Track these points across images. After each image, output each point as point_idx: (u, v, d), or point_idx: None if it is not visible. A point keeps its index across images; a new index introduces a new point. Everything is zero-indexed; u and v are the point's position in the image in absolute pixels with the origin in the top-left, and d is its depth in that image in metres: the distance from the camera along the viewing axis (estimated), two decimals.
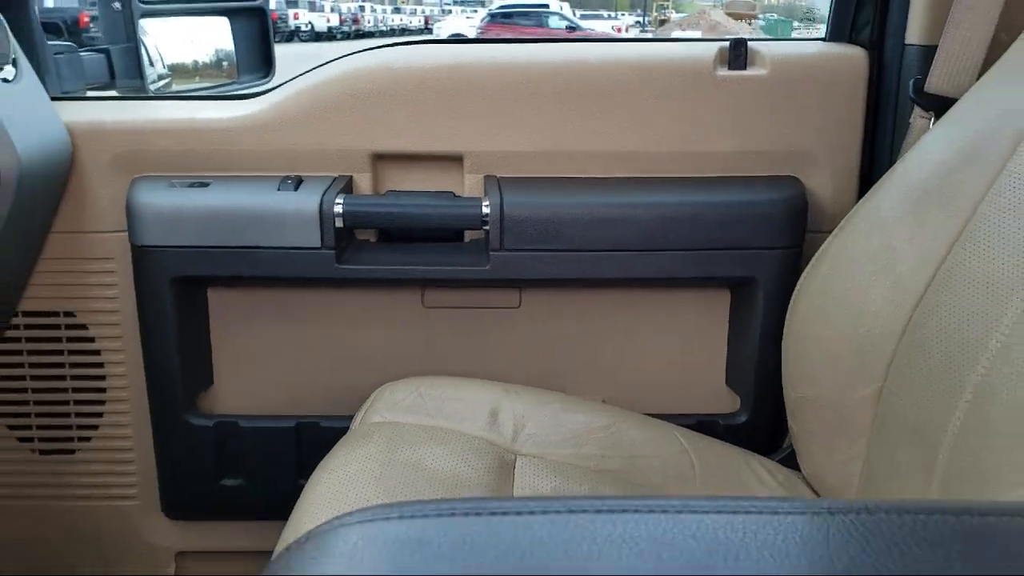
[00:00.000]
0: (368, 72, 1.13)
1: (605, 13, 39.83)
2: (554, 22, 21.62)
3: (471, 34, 21.82)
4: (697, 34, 21.69)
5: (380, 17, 36.66)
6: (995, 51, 0.93)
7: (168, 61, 1.52)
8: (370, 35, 32.29)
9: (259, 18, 1.51)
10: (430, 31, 30.44)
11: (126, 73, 1.33)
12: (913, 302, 0.84)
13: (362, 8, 35.22)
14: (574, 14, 26.90)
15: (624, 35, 21.35)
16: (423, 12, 44.54)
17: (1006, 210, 0.77)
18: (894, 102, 1.08)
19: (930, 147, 0.90)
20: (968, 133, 0.85)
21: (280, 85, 1.17)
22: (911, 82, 1.00)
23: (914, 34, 1.06)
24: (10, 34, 1.02)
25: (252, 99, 1.15)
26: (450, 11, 46.81)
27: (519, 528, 0.34)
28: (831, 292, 0.94)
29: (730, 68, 1.11)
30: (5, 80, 0.99)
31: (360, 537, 0.33)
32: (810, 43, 1.17)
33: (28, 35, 1.13)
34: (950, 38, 0.96)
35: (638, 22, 38.63)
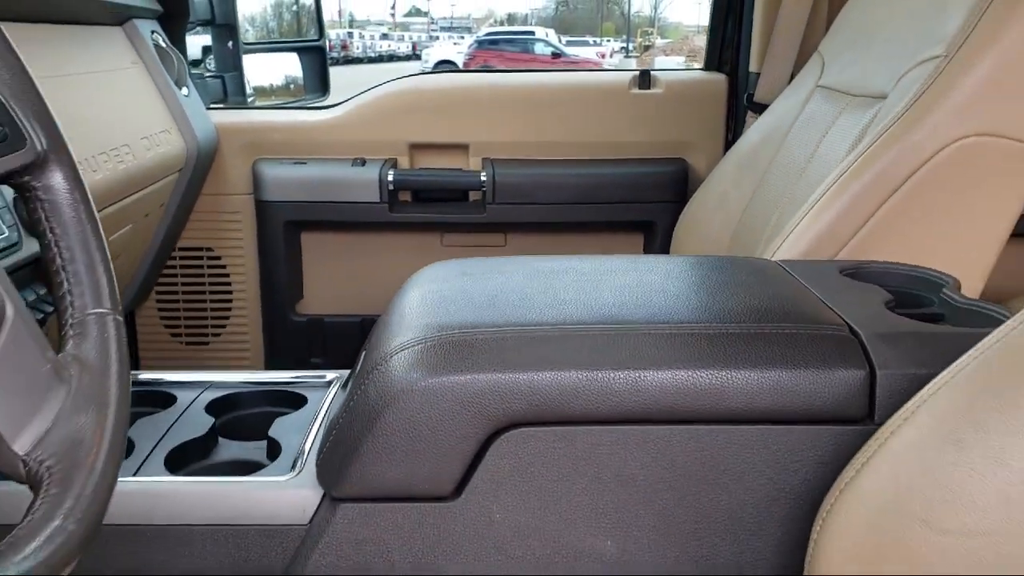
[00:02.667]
0: (405, 90, 1.74)
1: (591, 39, 40.60)
2: (539, 48, 22.09)
3: (459, 60, 22.39)
4: (680, 59, 22.45)
5: (368, 43, 37.28)
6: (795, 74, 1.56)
7: (253, 84, 2.13)
8: (359, 61, 32.90)
9: (319, 54, 2.12)
10: (418, 57, 31.18)
11: (235, 92, 1.93)
12: (735, 226, 1.45)
13: (351, 35, 35.92)
14: (560, 40, 27.53)
15: (607, 61, 21.99)
16: (411, 38, 45.14)
17: (788, 172, 1.38)
18: (741, 108, 1.71)
19: (750, 135, 1.51)
20: (769, 125, 1.47)
21: (346, 100, 1.78)
22: (746, 95, 1.62)
23: (753, 65, 1.68)
24: (187, 67, 1.63)
25: (330, 108, 1.76)
26: (437, 37, 47.54)
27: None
28: (693, 224, 1.55)
29: (639, 88, 1.74)
30: (185, 95, 1.60)
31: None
32: (693, 71, 1.80)
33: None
34: (766, 69, 1.59)
35: (623, 48, 39.47)
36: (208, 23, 1.85)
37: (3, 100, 0.54)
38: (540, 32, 24.56)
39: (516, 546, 0.73)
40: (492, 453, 0.72)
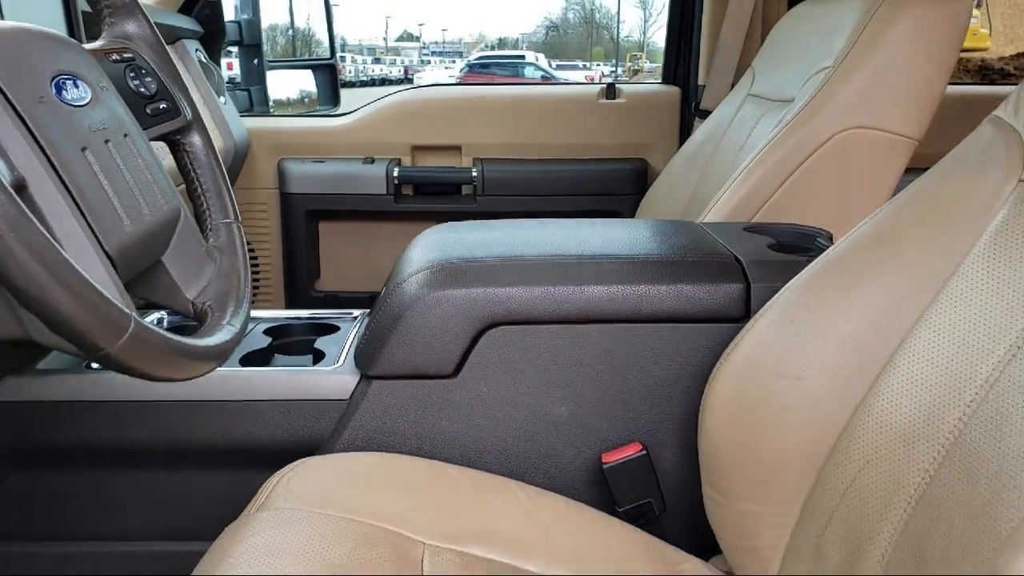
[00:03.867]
0: (407, 100, 2.05)
1: (580, 63, 41.11)
2: (529, 72, 22.47)
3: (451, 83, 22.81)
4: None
5: (360, 68, 37.75)
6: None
7: (273, 98, 2.44)
8: (351, 85, 33.33)
9: (331, 71, 2.43)
10: (410, 81, 31.63)
11: (259, 103, 2.24)
12: (682, 211, 1.75)
13: (343, 59, 36.41)
14: (550, 64, 27.96)
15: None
16: (402, 62, 45.62)
17: (722, 163, 1.68)
18: (691, 115, 2.02)
19: (696, 136, 1.82)
20: (710, 127, 1.78)
21: (358, 109, 2.08)
22: (694, 103, 1.94)
23: (700, 79, 1.99)
24: (224, 80, 1.93)
25: (344, 116, 2.07)
26: (429, 61, 48.08)
27: None
28: (650, 211, 1.85)
29: (606, 99, 2.05)
30: (224, 103, 1.90)
31: None
32: (651, 85, 2.11)
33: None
34: (710, 82, 1.90)
35: (612, 71, 39.99)
36: (237, 43, 2.15)
37: (163, 81, 0.84)
38: (530, 56, 25.04)
39: (497, 410, 1.02)
40: (480, 344, 1.02)
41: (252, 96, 2.21)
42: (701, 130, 1.81)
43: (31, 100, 0.60)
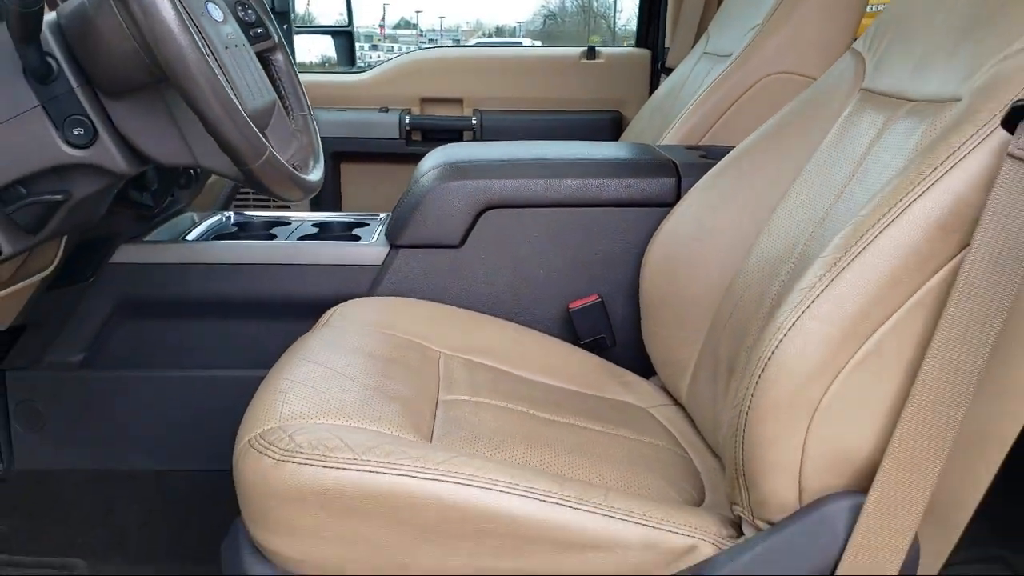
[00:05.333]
0: (417, 59, 2.40)
1: None
2: None
3: None
4: None
5: (359, 55, 37.94)
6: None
7: (298, 61, 2.77)
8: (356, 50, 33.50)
9: (348, 37, 2.77)
10: None
11: None
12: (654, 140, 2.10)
13: None
14: None
15: None
16: (399, 49, 45.63)
17: (675, 109, 2.01)
18: (658, 73, 2.37)
19: (660, 90, 2.17)
20: (672, 82, 2.12)
21: (375, 66, 2.43)
22: (660, 63, 2.29)
23: (667, 42, 2.34)
24: None
25: (362, 72, 2.42)
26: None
27: None
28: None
29: (587, 59, 2.40)
30: None
31: None
32: (626, 48, 2.46)
33: None
34: (674, 44, 2.25)
35: None
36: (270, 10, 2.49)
37: (259, 15, 1.18)
38: (527, 43, 25.29)
39: (491, 272, 1.37)
40: (480, 223, 1.37)
41: None
42: (665, 85, 2.16)
43: (197, 14, 0.95)
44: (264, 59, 1.19)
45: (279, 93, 1.19)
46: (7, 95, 0.88)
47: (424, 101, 2.41)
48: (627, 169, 1.39)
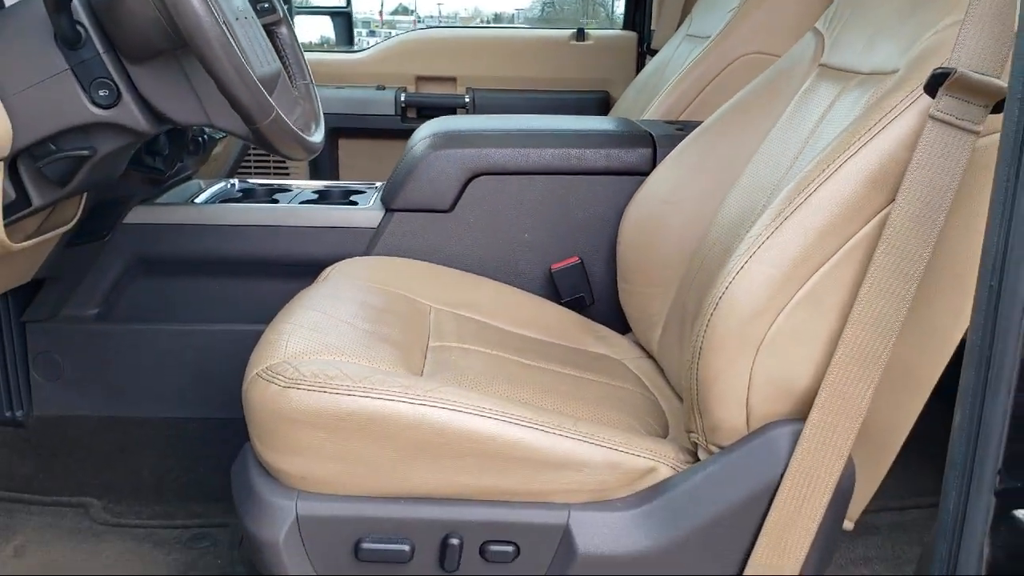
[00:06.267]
0: (412, 39, 2.49)
1: None
2: None
3: None
4: None
5: (356, 41, 37.84)
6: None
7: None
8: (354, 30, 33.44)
9: (347, 18, 2.86)
10: None
11: None
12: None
13: None
14: None
15: None
16: (396, 36, 45.51)
17: (659, 87, 2.11)
18: (645, 55, 2.46)
19: (645, 70, 2.27)
20: (655, 63, 2.22)
21: (372, 46, 2.52)
22: (646, 44, 2.38)
23: (653, 24, 2.44)
24: None
25: (360, 51, 2.51)
26: None
27: None
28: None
29: (576, 41, 2.50)
30: None
31: None
32: (613, 30, 2.56)
33: None
34: (659, 26, 2.35)
35: None
36: None
37: None
38: None
39: (479, 235, 1.47)
40: (469, 188, 1.47)
41: None
42: (649, 65, 2.25)
43: None
44: (270, 31, 1.29)
45: (283, 63, 1.29)
46: (40, 60, 0.98)
47: (419, 79, 2.51)
48: (607, 140, 1.49)
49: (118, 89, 1.01)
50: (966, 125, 0.82)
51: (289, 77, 1.27)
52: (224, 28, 0.94)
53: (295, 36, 1.30)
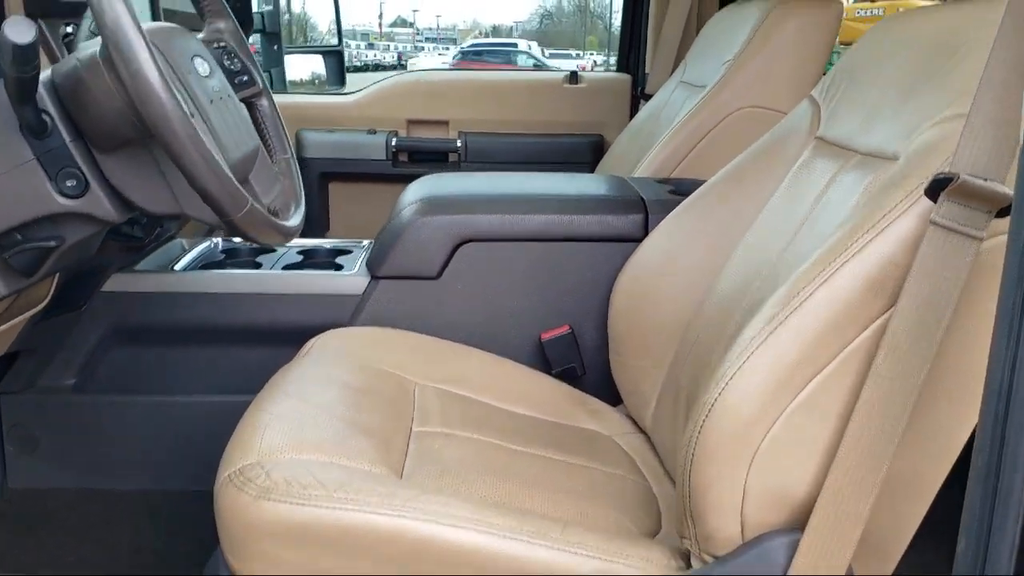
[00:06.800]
0: (404, 82, 2.46)
1: (574, 52, 41.20)
2: (522, 60, 22.58)
3: None
4: None
5: (355, 53, 37.82)
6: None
7: (288, 79, 2.83)
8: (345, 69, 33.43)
9: (339, 56, 2.83)
10: (404, 67, 31.81)
11: (278, 83, 2.63)
12: (625, 173, 2.16)
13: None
14: (543, 53, 28.13)
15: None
16: (396, 48, 45.51)
17: (653, 135, 2.08)
18: (639, 99, 2.43)
19: (639, 115, 2.23)
20: (649, 109, 2.18)
21: (363, 88, 2.48)
22: (640, 88, 2.35)
23: (647, 68, 2.40)
24: None
25: (351, 94, 2.47)
26: (423, 48, 48.14)
27: None
28: (606, 169, 2.26)
29: (570, 84, 2.46)
30: None
31: None
32: (607, 73, 2.52)
33: None
34: (653, 71, 2.31)
35: (605, 60, 40.26)
36: (260, 31, 2.55)
37: (244, 62, 1.24)
38: (523, 45, 25.32)
39: (467, 303, 1.43)
40: (456, 256, 1.43)
41: (272, 77, 2.60)
42: (644, 111, 2.22)
43: (185, 72, 1.01)
44: (250, 104, 1.25)
45: (263, 137, 1.25)
46: (5, 149, 0.94)
47: (411, 123, 2.47)
48: (597, 205, 1.45)
49: (86, 179, 0.97)
50: (969, 231, 0.78)
51: (269, 153, 1.24)
52: (195, 119, 0.90)
53: (275, 108, 1.27)
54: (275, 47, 2.60)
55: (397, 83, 2.47)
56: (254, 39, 2.61)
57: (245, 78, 1.22)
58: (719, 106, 1.76)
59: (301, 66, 2.83)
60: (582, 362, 1.43)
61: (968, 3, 1.05)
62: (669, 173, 1.78)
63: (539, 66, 22.59)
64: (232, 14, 1.23)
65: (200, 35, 1.20)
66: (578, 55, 38.69)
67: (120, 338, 1.47)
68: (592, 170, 2.38)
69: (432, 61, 28.44)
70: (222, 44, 1.21)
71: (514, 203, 1.44)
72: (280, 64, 2.62)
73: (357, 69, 37.22)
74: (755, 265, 1.17)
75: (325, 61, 2.80)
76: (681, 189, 1.57)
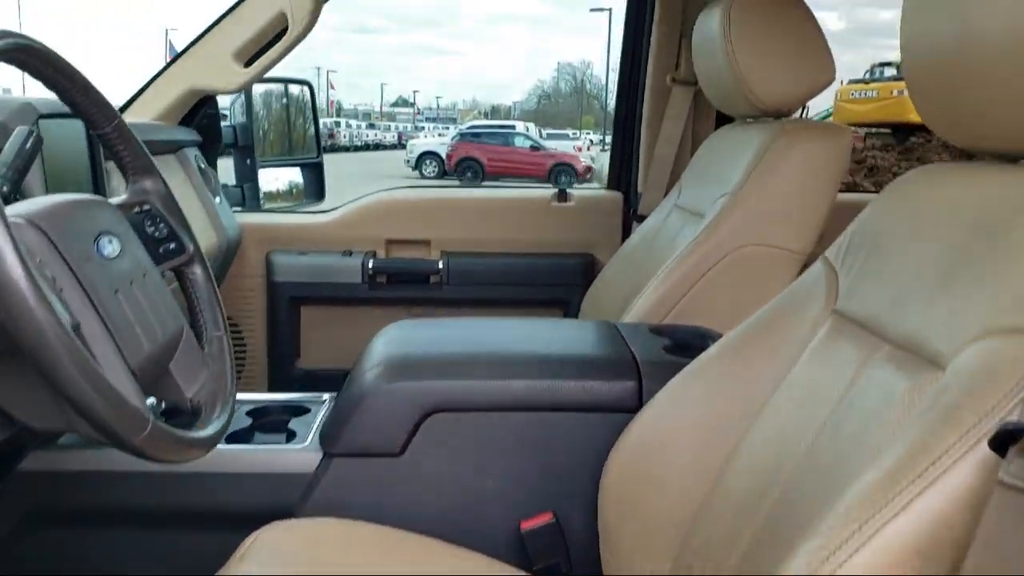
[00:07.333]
0: (383, 200, 2.31)
1: (570, 132, 41.84)
2: (519, 141, 22.72)
3: (442, 151, 23.09)
4: None
5: (356, 133, 38.35)
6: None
7: (264, 190, 2.69)
8: (345, 149, 33.82)
9: (318, 168, 2.70)
10: (403, 147, 32.17)
11: (251, 198, 2.49)
12: (620, 303, 1.99)
13: (338, 124, 37.04)
14: (540, 133, 28.47)
15: (583, 154, 22.79)
16: (396, 128, 46.20)
17: (651, 264, 1.92)
18: (623, 219, 2.29)
19: (633, 238, 2.08)
20: (644, 232, 2.03)
21: (340, 206, 2.34)
22: (633, 209, 2.20)
23: (639, 187, 2.26)
24: (219, 182, 2.19)
25: (325, 212, 2.33)
26: (423, 128, 48.88)
27: None
28: (595, 302, 2.10)
29: (558, 202, 2.32)
30: (218, 203, 2.15)
31: None
32: (598, 190, 2.39)
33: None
34: (646, 191, 2.17)
35: (601, 140, 40.85)
36: (232, 146, 2.42)
37: (172, 225, 1.08)
38: (520, 126, 25.55)
39: (434, 485, 1.25)
40: (422, 428, 1.25)
41: (245, 192, 2.46)
42: (637, 233, 2.07)
43: (81, 260, 0.85)
44: (179, 273, 1.09)
45: (192, 311, 1.08)
46: None
47: (390, 243, 2.32)
48: (585, 367, 1.28)
49: None
50: None
51: (199, 332, 1.07)
52: (77, 329, 0.74)
53: (210, 276, 1.10)
54: (248, 161, 2.47)
55: (376, 201, 2.33)
56: (227, 153, 2.48)
57: (172, 245, 1.06)
58: (718, 243, 1.61)
59: (279, 176, 2.69)
60: (568, 557, 1.24)
61: (1007, 170, 0.90)
62: (664, 315, 1.61)
63: (536, 147, 22.81)
64: (159, 172, 1.08)
65: (120, 198, 1.05)
66: (575, 135, 39.28)
67: (41, 521, 1.28)
68: (583, 293, 2.22)
69: (431, 141, 28.72)
70: (146, 207, 1.05)
71: (487, 366, 1.27)
72: (254, 179, 2.49)
73: (357, 148, 37.84)
74: (772, 463, 0.99)
75: (303, 174, 2.66)
76: (678, 340, 1.41)
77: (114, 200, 1.02)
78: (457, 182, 20.36)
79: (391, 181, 20.11)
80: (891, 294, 0.96)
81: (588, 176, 20.61)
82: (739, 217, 1.61)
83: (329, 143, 32.76)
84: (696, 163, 1.99)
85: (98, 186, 1.46)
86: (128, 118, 2.04)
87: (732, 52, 1.62)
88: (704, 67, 1.81)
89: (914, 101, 0.99)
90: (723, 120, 2.15)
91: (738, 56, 1.62)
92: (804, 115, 1.78)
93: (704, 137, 2.08)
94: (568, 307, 2.31)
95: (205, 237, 2.01)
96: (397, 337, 1.39)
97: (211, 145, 2.25)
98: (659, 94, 2.24)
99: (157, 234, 1.05)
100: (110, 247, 0.91)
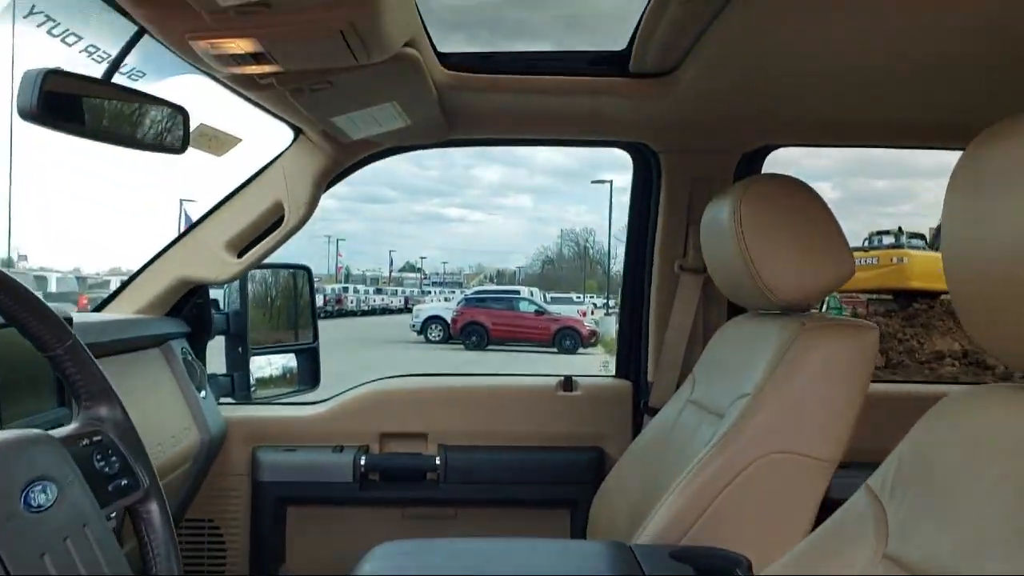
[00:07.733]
0: (377, 391, 2.19)
1: (575, 296, 42.35)
2: (524, 306, 22.91)
3: (447, 315, 23.26)
4: None
5: (363, 298, 38.78)
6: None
7: (257, 375, 2.57)
8: (352, 314, 34.16)
9: (312, 353, 2.59)
10: (410, 311, 32.42)
11: (241, 388, 2.37)
12: (634, 506, 1.83)
13: (345, 289, 37.56)
14: (544, 297, 28.74)
15: (587, 319, 22.92)
16: (403, 293, 46.79)
17: (666, 466, 1.77)
18: (633, 410, 2.15)
19: (645, 433, 1.93)
20: (657, 427, 1.89)
21: (331, 398, 2.22)
22: (644, 401, 2.07)
23: (649, 376, 2.14)
24: (206, 375, 2.07)
25: (315, 404, 2.20)
26: (429, 292, 49.56)
27: None
28: (606, 502, 1.93)
29: (563, 391, 2.19)
30: (203, 397, 2.03)
31: None
32: (606, 378, 2.27)
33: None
34: (656, 382, 2.05)
35: (605, 303, 41.29)
36: (224, 333, 2.32)
37: (124, 454, 0.95)
38: (524, 291, 25.86)
39: None
40: None
41: (235, 381, 2.35)
42: (650, 428, 1.93)
43: (3, 519, 0.71)
44: (133, 512, 0.95)
45: (143, 551, 0.94)
46: None
47: (384, 436, 2.18)
48: None
49: None
50: None
51: (148, 569, 0.92)
52: None
53: (166, 513, 0.96)
54: (240, 350, 2.37)
55: (369, 392, 2.21)
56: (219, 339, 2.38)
57: (124, 482, 0.93)
58: (739, 451, 1.47)
59: (272, 360, 2.58)
60: None
61: None
62: (684, 532, 1.45)
63: (540, 312, 22.94)
64: (117, 397, 0.96)
65: (68, 428, 0.93)
66: (579, 298, 39.73)
67: None
68: (592, 491, 2.06)
69: (437, 305, 29.04)
70: (96, 439, 0.93)
71: None
72: (245, 368, 2.38)
73: (364, 313, 38.17)
74: None
75: (297, 359, 2.56)
76: (703, 567, 1.25)
77: (60, 432, 0.90)
78: (462, 345, 20.38)
79: (390, 346, 20.08)
80: (955, 539, 0.82)
81: (593, 340, 20.64)
82: (762, 422, 1.48)
83: (337, 308, 33.13)
84: (709, 355, 1.88)
85: (63, 395, 1.35)
86: (113, 309, 1.97)
87: (744, 247, 1.54)
88: (714, 258, 1.73)
89: (958, 312, 0.89)
90: (735, 308, 2.05)
91: (751, 251, 1.54)
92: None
93: (716, 325, 1.97)
94: (576, 508, 2.14)
95: (186, 435, 1.88)
96: (384, 568, 1.24)
97: (199, 335, 2.16)
98: (667, 281, 2.16)
99: (108, 469, 0.92)
100: (43, 496, 0.78)
